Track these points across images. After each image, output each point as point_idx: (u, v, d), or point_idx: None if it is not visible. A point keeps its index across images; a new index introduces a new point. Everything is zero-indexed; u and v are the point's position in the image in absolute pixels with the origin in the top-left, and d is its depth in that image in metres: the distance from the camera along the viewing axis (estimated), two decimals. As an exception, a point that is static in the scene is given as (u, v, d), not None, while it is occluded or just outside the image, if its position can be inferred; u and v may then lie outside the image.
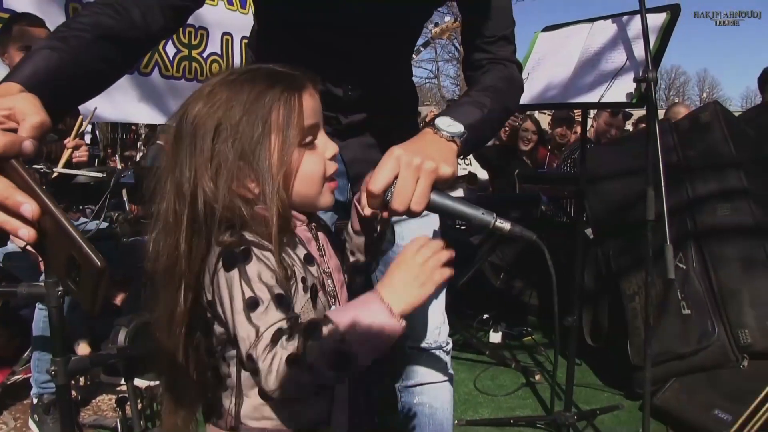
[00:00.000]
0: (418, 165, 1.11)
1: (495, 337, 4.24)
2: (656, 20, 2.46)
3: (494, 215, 1.15)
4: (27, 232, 0.76)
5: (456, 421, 3.04)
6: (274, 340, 0.96)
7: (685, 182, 3.33)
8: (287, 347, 0.95)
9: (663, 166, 2.21)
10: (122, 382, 2.91)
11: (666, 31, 2.43)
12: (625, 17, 2.62)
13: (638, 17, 2.38)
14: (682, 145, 3.45)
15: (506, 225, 1.14)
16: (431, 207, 1.15)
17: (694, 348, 3.00)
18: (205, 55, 4.70)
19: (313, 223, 1.19)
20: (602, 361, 3.70)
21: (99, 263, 0.73)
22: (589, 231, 3.83)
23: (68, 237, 0.75)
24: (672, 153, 3.40)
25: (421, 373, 1.86)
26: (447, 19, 6.71)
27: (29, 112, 0.85)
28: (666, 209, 2.21)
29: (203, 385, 1.15)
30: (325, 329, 0.96)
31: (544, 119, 7.67)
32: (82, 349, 3.41)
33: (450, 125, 1.26)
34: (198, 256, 1.03)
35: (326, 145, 1.13)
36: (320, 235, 1.20)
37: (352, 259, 1.30)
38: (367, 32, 1.49)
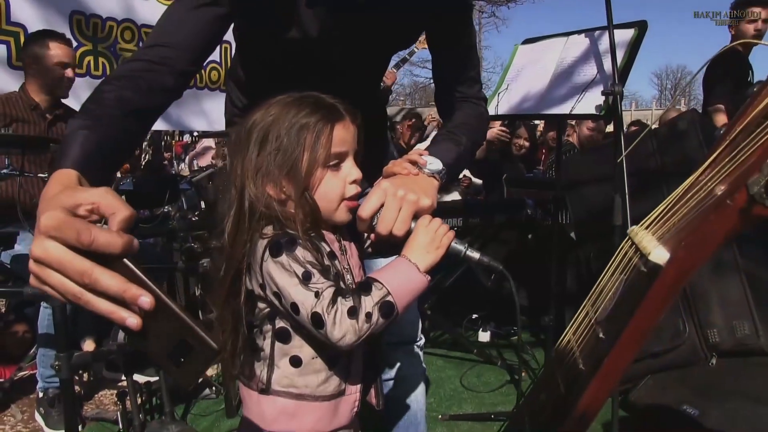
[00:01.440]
0: (402, 196, 1.32)
1: (484, 337, 4.38)
2: (624, 36, 2.60)
3: (465, 245, 1.33)
4: (135, 321, 0.83)
5: (440, 416, 3.19)
6: (334, 298, 1.18)
7: (662, 187, 3.45)
8: (345, 302, 1.18)
9: (639, 172, 2.35)
10: (123, 377, 3.06)
11: (633, 47, 2.58)
12: (597, 32, 2.76)
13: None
14: (661, 151, 3.57)
15: (475, 255, 1.32)
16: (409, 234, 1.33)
17: (666, 347, 3.13)
18: (204, 63, 4.84)
19: (338, 231, 1.39)
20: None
21: (216, 346, 0.86)
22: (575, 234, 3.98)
23: (181, 324, 0.86)
24: (651, 158, 3.53)
25: (396, 367, 2.01)
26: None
27: (117, 207, 0.87)
28: (629, 216, 2.36)
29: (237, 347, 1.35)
30: (374, 286, 1.21)
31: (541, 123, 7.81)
32: (88, 346, 3.55)
33: (431, 163, 1.48)
34: (240, 241, 1.26)
35: (350, 171, 1.31)
36: (344, 242, 1.40)
37: None
38: (343, 70, 1.66)
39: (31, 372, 3.42)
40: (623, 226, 2.43)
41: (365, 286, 1.23)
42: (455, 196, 5.59)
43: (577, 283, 3.91)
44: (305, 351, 1.30)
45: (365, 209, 1.31)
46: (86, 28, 4.07)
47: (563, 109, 2.68)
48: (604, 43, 2.70)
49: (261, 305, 1.30)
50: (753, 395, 2.85)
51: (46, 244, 0.82)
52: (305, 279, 1.19)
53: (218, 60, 4.91)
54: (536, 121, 7.52)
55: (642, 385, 3.18)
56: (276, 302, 1.24)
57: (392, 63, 7.35)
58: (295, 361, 1.30)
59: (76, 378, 3.38)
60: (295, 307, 1.20)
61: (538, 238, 4.30)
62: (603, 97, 2.53)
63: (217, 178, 3.86)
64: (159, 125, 4.62)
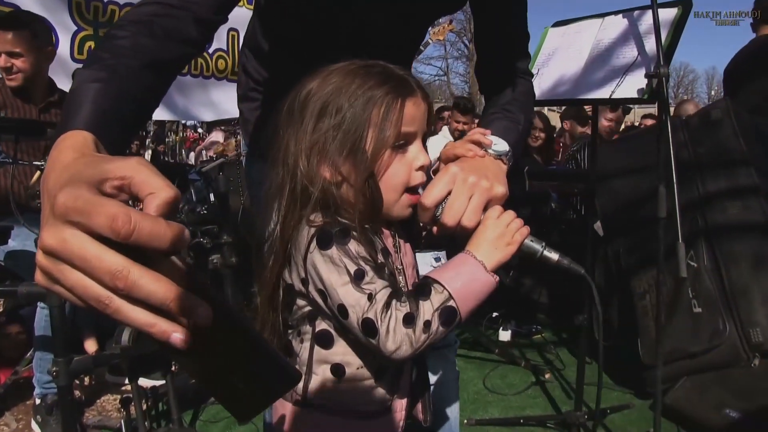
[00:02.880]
0: (474, 182, 1.15)
1: (504, 336, 4.22)
2: (667, 15, 2.42)
3: (542, 244, 1.14)
4: (182, 338, 0.59)
5: (465, 421, 3.02)
6: (388, 302, 1.02)
7: (696, 179, 3.29)
8: (401, 308, 1.03)
9: (674, 163, 2.18)
10: (127, 382, 2.88)
11: (677, 26, 2.40)
12: (636, 12, 2.58)
13: (649, 12, 2.36)
14: (693, 142, 3.40)
15: (554, 255, 1.14)
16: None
17: (705, 347, 2.96)
18: (210, 50, 4.67)
19: (393, 225, 1.22)
20: (612, 359, 3.66)
21: (299, 372, 0.70)
22: (598, 226, 3.80)
23: (248, 342, 0.65)
24: (683, 150, 3.36)
25: (429, 371, 1.84)
26: (441, 20, 6.71)
27: (157, 185, 0.61)
28: (678, 205, 2.18)
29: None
30: (433, 289, 1.05)
31: (554, 116, 7.61)
32: (90, 346, 3.39)
33: (497, 144, 1.29)
34: (289, 227, 1.10)
35: (418, 155, 1.13)
36: (399, 239, 1.23)
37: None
38: (380, 41, 1.47)
39: (28, 377, 3.15)
40: (669, 217, 2.24)
41: (423, 289, 1.06)
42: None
43: (605, 280, 3.73)
44: (349, 359, 1.13)
45: (430, 196, 1.14)
46: (86, 11, 3.86)
47: (602, 93, 2.49)
48: (644, 24, 2.52)
49: (300, 303, 1.13)
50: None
51: (64, 233, 0.57)
52: (357, 278, 1.03)
53: (225, 48, 4.73)
54: (550, 111, 7.34)
55: (678, 387, 3.02)
56: (320, 301, 1.08)
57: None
58: (337, 370, 1.13)
59: (77, 382, 3.20)
60: (343, 309, 1.04)
61: (562, 232, 4.13)
62: (645, 81, 2.35)
63: (229, 169, 3.66)
64: (164, 115, 4.44)
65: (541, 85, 2.76)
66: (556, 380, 3.57)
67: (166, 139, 14.12)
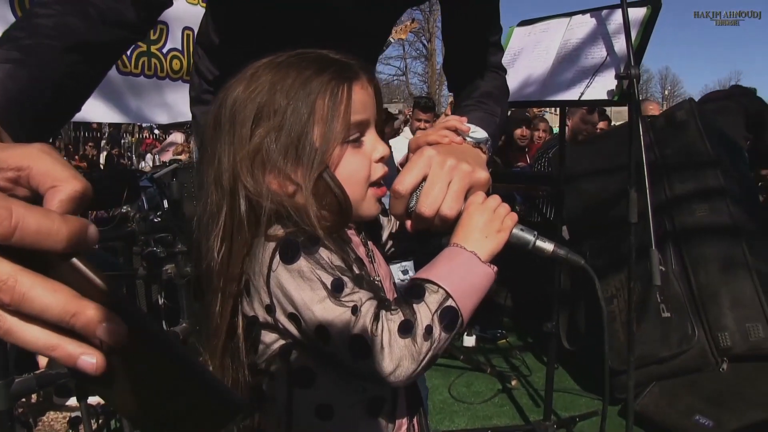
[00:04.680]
0: (453, 165, 0.99)
1: (469, 341, 4.15)
2: (637, 14, 2.37)
3: (534, 233, 1.00)
4: (94, 362, 0.47)
5: (431, 432, 2.93)
6: (377, 313, 0.86)
7: (663, 182, 3.26)
8: (393, 317, 0.86)
9: (638, 165, 2.13)
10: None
11: (647, 26, 2.34)
12: (604, 11, 2.52)
13: (618, 12, 2.31)
14: (659, 144, 3.38)
15: (548, 246, 0.99)
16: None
17: (674, 351, 2.93)
18: (164, 50, 4.49)
19: (363, 232, 1.07)
20: (579, 364, 3.61)
21: (241, 399, 0.58)
22: (564, 230, 3.75)
23: (177, 365, 0.52)
24: (649, 151, 3.30)
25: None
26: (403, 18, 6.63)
27: (61, 176, 0.48)
28: (651, 210, 2.13)
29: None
30: (426, 288, 0.90)
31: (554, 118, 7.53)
32: (43, 358, 3.22)
33: (475, 131, 1.16)
34: (237, 258, 0.92)
35: (375, 146, 0.99)
36: (369, 242, 1.08)
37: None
38: (346, 36, 1.37)
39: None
40: (640, 223, 2.18)
41: (415, 291, 0.90)
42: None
43: (572, 283, 3.67)
44: (337, 397, 0.95)
45: (404, 182, 0.99)
46: (30, 3, 3.68)
47: (571, 94, 2.43)
48: (612, 23, 2.47)
49: (268, 338, 0.95)
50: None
51: None
52: (336, 290, 0.86)
53: (180, 48, 4.56)
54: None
55: (648, 393, 2.98)
56: (292, 329, 0.90)
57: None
58: (323, 412, 0.94)
59: (23, 400, 3.02)
60: (323, 331, 0.86)
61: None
62: (615, 82, 2.29)
63: (182, 174, 3.51)
64: (116, 117, 4.26)
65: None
66: (523, 387, 3.50)
67: (122, 141, 13.82)
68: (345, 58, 0.99)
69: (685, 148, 3.28)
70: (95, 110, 4.16)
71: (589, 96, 2.38)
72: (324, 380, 0.94)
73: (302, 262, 0.87)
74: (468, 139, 1.14)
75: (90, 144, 12.57)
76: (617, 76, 2.25)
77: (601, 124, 5.55)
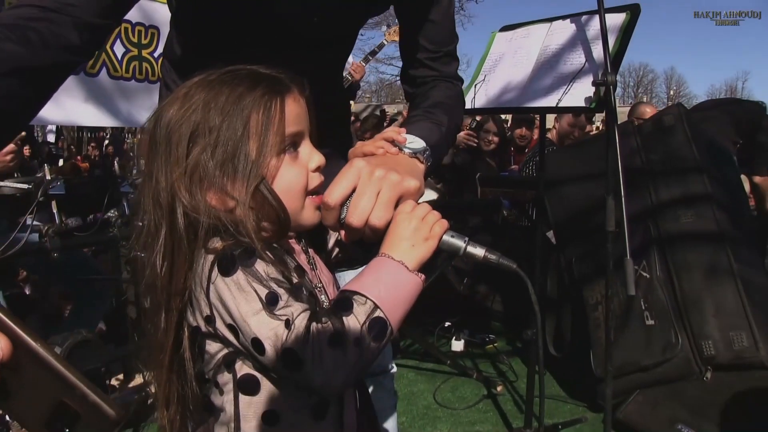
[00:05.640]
0: (382, 176, 1.01)
1: (457, 346, 4.12)
2: (615, 20, 2.35)
3: (465, 239, 1.02)
4: None
5: (413, 439, 2.92)
6: (308, 326, 0.87)
7: (649, 187, 3.22)
8: (325, 329, 0.88)
9: (625, 171, 2.12)
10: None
11: (626, 32, 2.33)
12: (584, 17, 2.51)
13: (597, 17, 2.28)
14: (645, 149, 3.34)
15: (479, 251, 1.02)
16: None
17: (657, 360, 2.90)
18: (156, 54, 4.48)
19: (303, 240, 1.09)
20: (565, 371, 3.59)
21: (114, 412, 0.57)
22: (551, 234, 3.73)
23: (60, 380, 0.56)
24: (635, 156, 3.30)
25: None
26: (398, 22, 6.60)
27: None
28: (626, 220, 2.11)
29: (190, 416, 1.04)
30: (355, 301, 0.91)
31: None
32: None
33: (411, 141, 1.17)
34: (180, 273, 0.95)
35: (310, 156, 1.03)
36: (311, 250, 1.10)
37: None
38: (304, 45, 1.36)
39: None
40: (617, 231, 2.17)
41: (343, 304, 0.92)
42: (430, 194, 5.28)
43: (558, 289, 3.65)
44: (282, 403, 0.97)
45: (333, 194, 1.01)
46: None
47: (549, 101, 2.41)
48: (592, 29, 2.45)
49: (211, 348, 0.97)
50: (752, 413, 2.64)
51: None
52: (270, 303, 0.88)
53: (171, 51, 4.56)
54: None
55: (631, 401, 2.95)
56: (232, 338, 0.92)
57: (360, 57, 7.04)
58: (270, 418, 0.97)
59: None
60: (258, 343, 0.88)
61: (515, 240, 4.05)
62: (593, 89, 2.27)
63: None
64: (107, 121, 4.26)
65: (487, 92, 2.68)
66: (508, 393, 3.48)
67: (126, 140, 13.86)
68: (276, 72, 1.01)
69: (671, 153, 3.24)
70: (86, 114, 4.17)
71: (566, 103, 2.37)
72: (268, 387, 0.97)
73: (239, 275, 0.90)
74: (405, 149, 1.15)
75: (92, 144, 12.61)
76: (594, 83, 2.23)
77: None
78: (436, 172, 5.27)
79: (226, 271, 0.90)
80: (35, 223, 2.40)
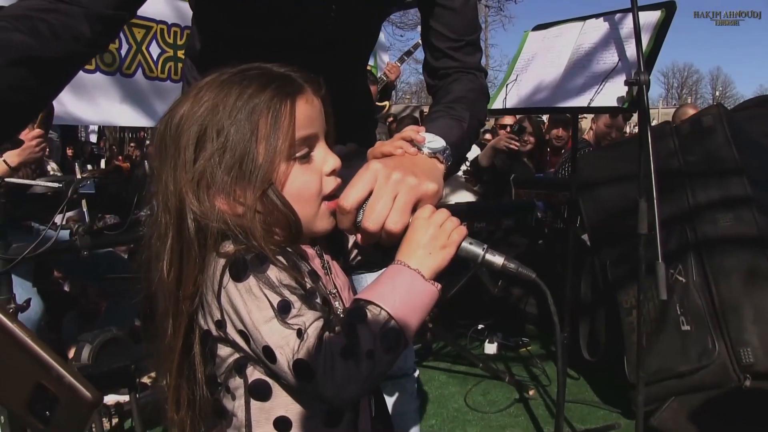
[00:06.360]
0: (399, 179, 1.00)
1: (490, 348, 4.08)
2: (650, 18, 2.30)
3: (484, 246, 0.99)
4: None
5: (441, 442, 2.90)
6: (320, 336, 0.87)
7: (686, 189, 3.14)
8: (337, 340, 0.87)
9: (662, 172, 2.07)
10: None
11: (660, 30, 2.27)
12: (617, 15, 2.46)
13: (631, 15, 2.22)
14: (683, 150, 3.26)
15: (498, 259, 0.99)
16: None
17: (693, 366, 2.82)
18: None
19: (318, 244, 1.07)
20: (600, 375, 3.53)
21: (90, 395, 0.57)
22: (587, 237, 3.67)
23: (35, 361, 0.57)
24: (673, 158, 3.22)
25: (386, 404, 1.72)
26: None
27: None
28: (658, 223, 2.06)
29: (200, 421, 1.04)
30: (369, 311, 0.89)
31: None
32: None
33: (431, 141, 1.15)
34: (190, 277, 0.94)
35: (325, 159, 1.00)
36: (326, 254, 1.08)
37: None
38: (325, 42, 1.35)
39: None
40: (650, 234, 2.12)
41: (356, 313, 0.90)
42: (466, 196, 5.23)
43: (592, 293, 3.59)
44: (294, 409, 0.96)
45: (349, 198, 0.99)
46: None
47: (581, 101, 2.37)
48: (625, 27, 2.40)
49: (223, 352, 0.96)
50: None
51: None
52: (282, 311, 0.87)
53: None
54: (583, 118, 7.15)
55: (666, 408, 2.88)
56: (242, 344, 0.92)
57: (395, 57, 7.03)
58: (282, 425, 0.96)
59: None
60: (269, 352, 0.87)
61: (549, 243, 3.99)
62: (626, 88, 2.22)
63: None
64: (144, 120, 4.32)
65: (519, 91, 2.64)
66: (541, 397, 3.43)
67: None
68: (290, 71, 0.99)
69: (710, 155, 3.15)
70: (122, 115, 4.25)
71: (598, 102, 2.32)
72: (280, 393, 0.95)
73: (251, 281, 0.89)
74: (424, 149, 1.12)
75: (132, 144, 12.79)
76: (627, 83, 2.18)
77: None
78: (474, 174, 5.25)
79: (238, 276, 0.89)
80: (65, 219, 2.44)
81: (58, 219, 2.20)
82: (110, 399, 2.85)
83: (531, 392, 3.47)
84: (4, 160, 2.83)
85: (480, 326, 4.16)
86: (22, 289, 2.76)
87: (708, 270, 2.92)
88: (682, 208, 3.08)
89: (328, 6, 1.31)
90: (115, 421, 2.86)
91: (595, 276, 3.57)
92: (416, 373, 1.77)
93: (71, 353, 3.25)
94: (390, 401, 1.72)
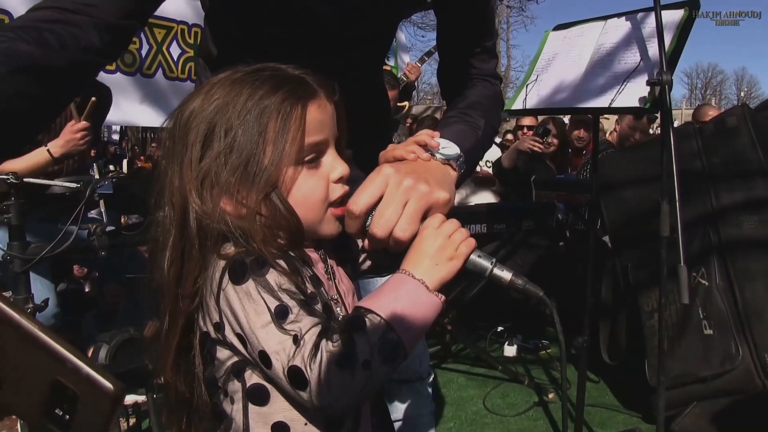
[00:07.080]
0: (410, 186, 0.98)
1: (510, 351, 4.05)
2: (673, 17, 2.26)
3: (492, 260, 0.97)
4: None
5: (459, 444, 2.87)
6: (317, 343, 0.85)
7: (709, 191, 3.09)
8: (333, 348, 0.85)
9: (685, 174, 2.03)
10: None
11: (683, 29, 2.23)
12: (639, 14, 2.42)
13: (653, 14, 2.19)
14: (707, 151, 3.21)
15: (505, 275, 0.97)
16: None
17: (716, 371, 2.78)
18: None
19: (322, 249, 1.05)
20: (620, 379, 3.48)
21: (112, 386, 0.54)
22: (608, 239, 3.63)
23: (49, 354, 0.54)
24: (696, 159, 3.17)
25: (401, 408, 1.70)
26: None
27: None
28: (681, 225, 2.02)
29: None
30: (368, 320, 0.88)
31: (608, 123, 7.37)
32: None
33: (445, 147, 1.13)
34: (190, 276, 0.93)
35: (333, 166, 0.98)
36: (330, 259, 1.06)
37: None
38: (337, 44, 1.34)
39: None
40: (672, 236, 2.08)
41: (356, 321, 0.88)
42: (488, 197, 5.19)
43: (613, 296, 3.54)
44: (293, 414, 0.94)
45: (358, 202, 0.97)
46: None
47: (602, 102, 2.33)
48: (648, 27, 2.35)
49: (221, 354, 0.94)
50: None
51: None
52: (280, 316, 0.86)
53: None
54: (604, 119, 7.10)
55: (687, 413, 2.84)
56: (240, 347, 0.91)
57: (416, 58, 7.00)
58: (280, 430, 0.94)
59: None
60: (265, 357, 0.86)
61: (570, 245, 3.95)
62: (648, 88, 2.18)
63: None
64: (155, 121, 4.34)
65: (539, 92, 2.61)
66: (560, 401, 3.39)
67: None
68: (304, 73, 0.97)
69: (734, 156, 3.10)
70: (142, 115, 4.27)
71: (619, 103, 2.28)
72: (279, 398, 0.93)
73: (250, 284, 0.87)
74: (437, 155, 1.11)
75: (154, 144, 12.88)
76: (649, 83, 2.14)
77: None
78: (496, 175, 5.21)
79: (237, 279, 0.88)
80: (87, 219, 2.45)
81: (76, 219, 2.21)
82: (128, 399, 2.86)
83: (551, 395, 3.44)
84: (48, 150, 2.83)
85: (500, 328, 4.13)
86: (40, 285, 2.78)
87: (732, 273, 2.87)
88: (705, 210, 3.03)
89: (342, 9, 1.30)
90: (132, 421, 2.87)
91: (616, 279, 3.52)
92: (431, 377, 1.75)
93: (89, 354, 3.28)
94: (404, 405, 1.71)
